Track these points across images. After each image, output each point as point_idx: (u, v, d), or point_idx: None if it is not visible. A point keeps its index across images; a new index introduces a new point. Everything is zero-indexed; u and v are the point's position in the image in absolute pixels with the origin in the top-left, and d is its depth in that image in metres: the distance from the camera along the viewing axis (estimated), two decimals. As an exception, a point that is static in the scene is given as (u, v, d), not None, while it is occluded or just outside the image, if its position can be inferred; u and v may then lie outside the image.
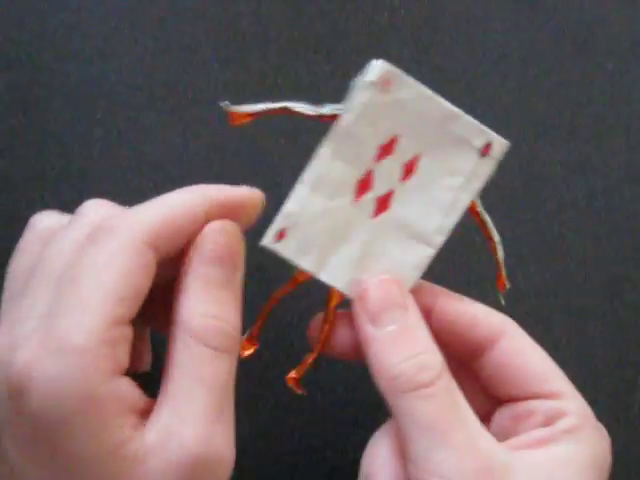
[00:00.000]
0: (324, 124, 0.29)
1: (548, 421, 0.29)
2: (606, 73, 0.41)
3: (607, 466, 0.30)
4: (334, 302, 0.30)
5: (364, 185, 0.29)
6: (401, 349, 0.28)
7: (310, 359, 0.31)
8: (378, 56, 0.40)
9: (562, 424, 0.29)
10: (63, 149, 0.38)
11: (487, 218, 0.31)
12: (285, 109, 0.29)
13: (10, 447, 0.25)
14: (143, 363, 0.31)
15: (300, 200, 0.29)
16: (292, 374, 0.31)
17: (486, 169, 0.30)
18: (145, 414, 0.26)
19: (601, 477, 0.29)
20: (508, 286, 0.32)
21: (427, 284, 0.31)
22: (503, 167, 0.40)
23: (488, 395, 0.31)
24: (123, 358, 0.25)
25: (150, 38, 0.39)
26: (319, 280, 0.30)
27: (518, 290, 0.39)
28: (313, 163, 0.29)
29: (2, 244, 0.36)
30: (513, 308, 0.39)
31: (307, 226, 0.29)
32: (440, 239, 0.30)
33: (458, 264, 0.39)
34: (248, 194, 0.28)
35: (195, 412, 0.25)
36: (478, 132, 0.29)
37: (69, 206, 0.37)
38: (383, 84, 0.28)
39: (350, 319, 0.30)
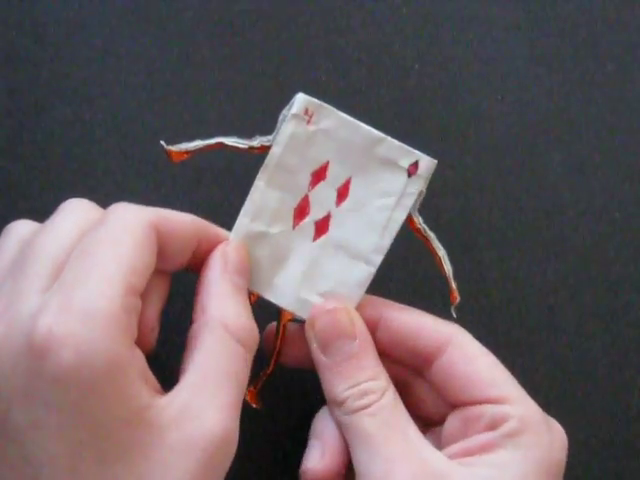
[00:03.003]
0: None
1: (493, 425, 0.30)
2: (606, 73, 0.41)
3: (556, 470, 0.30)
4: (285, 319, 0.32)
5: (302, 210, 0.31)
6: (346, 378, 0.31)
7: (265, 373, 0.33)
8: (377, 56, 0.40)
9: (504, 428, 0.30)
10: (63, 149, 0.38)
11: (430, 234, 0.32)
12: (220, 144, 0.31)
13: (24, 419, 0.25)
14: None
15: (242, 229, 0.31)
16: (250, 388, 0.33)
17: (415, 187, 0.31)
18: (158, 392, 0.27)
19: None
20: (459, 299, 0.32)
21: (372, 298, 0.33)
22: (503, 167, 0.40)
23: (442, 400, 0.32)
24: (135, 328, 0.27)
25: (150, 38, 0.39)
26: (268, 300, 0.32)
27: (518, 289, 0.39)
28: (250, 194, 0.31)
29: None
30: (513, 308, 0.39)
31: (252, 253, 0.31)
32: (378, 258, 0.31)
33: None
34: (225, 234, 0.31)
35: (219, 398, 0.27)
36: (403, 153, 0.31)
37: (69, 206, 0.37)
38: (306, 116, 0.30)
39: (301, 333, 0.32)
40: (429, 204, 0.38)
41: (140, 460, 0.25)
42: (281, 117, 0.31)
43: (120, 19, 0.39)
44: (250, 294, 0.31)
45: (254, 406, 0.33)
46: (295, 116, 0.30)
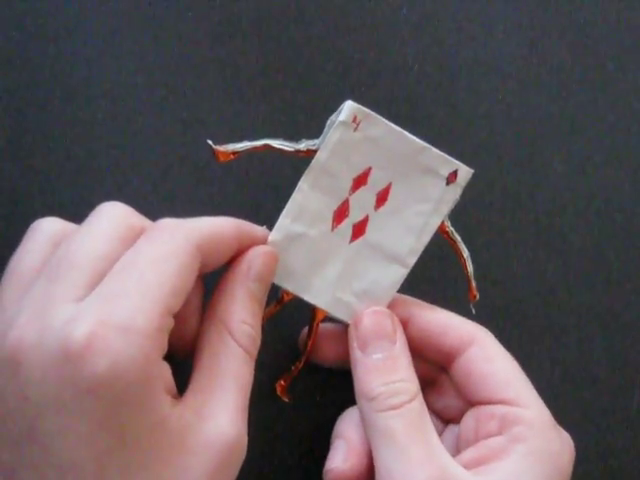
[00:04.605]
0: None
1: (502, 425, 0.31)
2: (606, 73, 0.41)
3: (562, 474, 0.31)
4: (318, 318, 0.34)
5: (341, 213, 0.32)
6: (382, 376, 0.32)
7: (296, 368, 0.35)
8: (377, 56, 0.40)
9: (514, 432, 0.31)
10: (63, 149, 0.38)
11: (457, 237, 0.34)
12: (266, 146, 0.32)
13: (52, 425, 0.25)
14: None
15: (282, 230, 0.32)
16: (280, 382, 0.35)
17: (453, 195, 0.33)
18: (175, 397, 0.28)
19: None
20: (478, 297, 0.34)
21: (403, 297, 0.34)
22: (503, 167, 0.40)
23: (448, 411, 0.34)
24: (166, 345, 0.27)
25: (150, 38, 0.39)
26: (303, 299, 0.33)
27: (518, 289, 0.39)
28: (293, 196, 0.32)
29: (2, 244, 0.36)
30: (513, 308, 0.39)
31: (290, 253, 0.32)
32: (412, 260, 0.33)
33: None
34: (264, 235, 0.32)
35: (229, 401, 0.28)
36: (444, 162, 0.32)
37: (69, 206, 0.37)
38: (353, 123, 0.31)
39: (332, 333, 0.35)
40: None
41: (162, 466, 0.26)
42: (329, 122, 0.32)
43: (120, 19, 0.39)
44: (284, 293, 0.33)
45: (284, 399, 0.35)
46: (343, 123, 0.31)
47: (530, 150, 0.40)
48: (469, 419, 0.33)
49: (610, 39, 0.42)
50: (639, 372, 0.39)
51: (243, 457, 0.29)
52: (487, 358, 0.33)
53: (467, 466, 0.31)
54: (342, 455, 0.32)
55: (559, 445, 0.31)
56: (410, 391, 0.31)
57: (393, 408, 0.31)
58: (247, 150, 0.32)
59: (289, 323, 0.36)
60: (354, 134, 0.31)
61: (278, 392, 0.35)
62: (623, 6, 0.42)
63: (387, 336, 0.32)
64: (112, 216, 0.29)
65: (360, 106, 0.31)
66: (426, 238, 0.33)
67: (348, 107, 0.31)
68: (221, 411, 0.28)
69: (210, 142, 0.31)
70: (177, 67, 0.39)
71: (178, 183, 0.38)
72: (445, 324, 0.33)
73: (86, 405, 0.25)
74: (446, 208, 0.33)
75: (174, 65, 0.39)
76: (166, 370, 0.27)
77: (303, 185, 0.32)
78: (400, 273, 0.33)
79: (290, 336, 0.37)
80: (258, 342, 0.31)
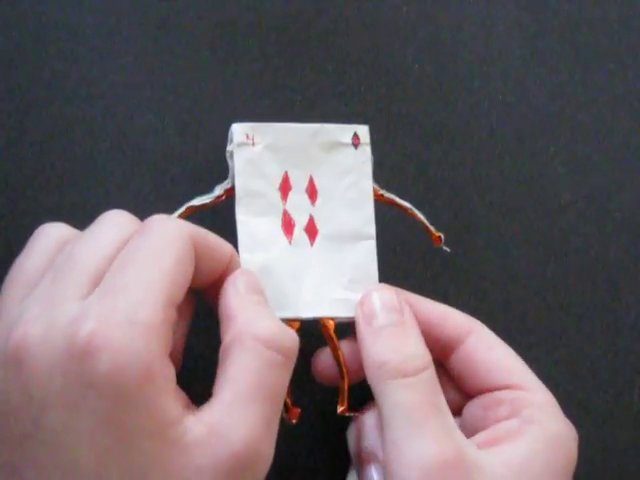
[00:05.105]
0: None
1: (513, 410, 0.31)
2: (606, 73, 0.41)
3: (571, 457, 0.31)
4: (330, 328, 0.33)
5: (288, 225, 0.33)
6: (391, 341, 0.30)
7: (343, 387, 0.33)
8: (377, 56, 0.40)
9: (526, 415, 0.30)
10: (63, 149, 0.38)
11: (391, 196, 0.34)
12: (189, 209, 0.33)
13: (55, 424, 0.25)
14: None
15: (249, 265, 0.32)
16: (340, 408, 0.33)
17: (365, 155, 0.33)
18: (188, 407, 0.27)
19: (565, 468, 0.31)
20: (442, 236, 0.35)
21: (400, 289, 0.33)
22: (503, 167, 0.40)
23: (459, 391, 0.33)
24: (171, 338, 0.27)
25: (150, 38, 0.39)
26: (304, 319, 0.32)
27: (518, 289, 0.39)
28: (238, 231, 0.32)
29: (2, 244, 0.36)
30: (513, 308, 0.39)
31: (267, 283, 0.32)
32: (371, 228, 0.33)
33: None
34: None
35: (251, 415, 0.26)
36: (341, 130, 0.33)
37: (69, 206, 0.37)
38: (248, 140, 0.32)
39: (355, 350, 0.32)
40: (429, 204, 0.39)
41: (161, 477, 0.25)
42: (228, 155, 0.33)
43: (120, 19, 0.39)
44: (289, 323, 0.32)
45: (349, 414, 0.33)
46: (239, 144, 0.32)
47: (530, 150, 0.40)
48: (474, 408, 0.33)
49: (610, 39, 0.42)
50: (639, 372, 0.39)
51: (263, 474, 0.27)
52: (488, 346, 0.33)
53: (480, 446, 0.30)
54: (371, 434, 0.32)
55: (567, 429, 0.31)
56: (422, 359, 0.30)
57: (405, 375, 0.29)
58: (179, 216, 0.32)
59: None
60: (254, 149, 0.32)
61: (344, 414, 0.33)
62: (623, 6, 0.42)
63: (394, 308, 0.31)
64: (116, 222, 0.29)
65: (245, 123, 0.32)
66: (369, 203, 0.33)
67: (236, 130, 0.32)
68: (241, 428, 0.26)
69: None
70: (177, 67, 0.39)
71: (178, 183, 0.38)
72: (444, 315, 0.33)
73: (89, 402, 0.25)
74: (367, 168, 0.33)
75: (174, 65, 0.39)
76: (171, 370, 0.26)
77: (240, 217, 0.32)
78: (369, 245, 0.33)
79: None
80: (295, 340, 0.29)
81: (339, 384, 0.33)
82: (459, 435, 0.30)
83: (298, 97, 0.39)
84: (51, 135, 0.38)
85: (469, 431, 0.32)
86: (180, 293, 0.27)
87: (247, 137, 0.32)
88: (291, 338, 0.29)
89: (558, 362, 0.39)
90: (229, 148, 0.32)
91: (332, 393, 0.34)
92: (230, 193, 0.32)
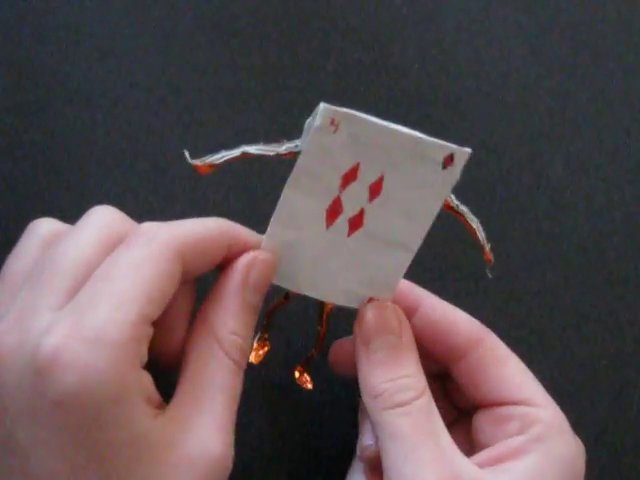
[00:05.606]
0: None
1: (522, 426, 0.30)
2: (606, 73, 0.41)
3: (578, 476, 0.31)
4: (327, 308, 0.33)
5: (334, 211, 0.31)
6: (386, 371, 0.31)
7: (311, 355, 0.35)
8: (377, 56, 0.40)
9: (534, 432, 0.30)
10: (63, 149, 0.38)
11: (463, 209, 0.32)
12: (244, 154, 0.30)
13: (26, 436, 0.25)
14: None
15: (275, 238, 0.31)
16: (298, 368, 0.35)
17: (451, 177, 0.31)
18: (159, 407, 0.27)
19: None
20: (493, 260, 0.33)
21: (412, 286, 0.33)
22: (503, 167, 0.40)
23: (464, 398, 0.33)
24: (145, 354, 0.27)
25: (150, 38, 0.39)
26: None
27: (518, 289, 0.39)
28: (279, 203, 0.31)
29: (2, 244, 0.36)
30: (513, 308, 0.39)
31: (287, 257, 0.31)
32: (416, 244, 0.32)
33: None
34: (257, 239, 0.31)
35: (214, 414, 0.27)
36: (438, 148, 0.31)
37: (69, 206, 0.37)
38: (332, 126, 0.30)
39: (349, 348, 0.33)
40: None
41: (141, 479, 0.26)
42: (306, 126, 0.30)
43: (120, 19, 0.39)
44: (291, 292, 0.32)
45: (306, 387, 0.35)
46: (319, 129, 0.30)
47: (530, 150, 0.40)
48: (484, 422, 0.32)
49: (610, 39, 0.42)
50: (639, 372, 0.39)
51: (228, 473, 0.28)
52: (499, 359, 0.32)
53: (482, 464, 0.30)
54: (372, 432, 0.31)
55: (576, 447, 0.31)
56: (417, 387, 0.30)
57: (399, 405, 0.30)
58: (225, 162, 0.30)
59: (298, 315, 0.36)
60: (334, 136, 0.30)
61: (296, 378, 0.35)
62: (623, 6, 0.42)
63: (391, 330, 0.31)
64: (99, 221, 0.28)
65: (336, 108, 0.30)
66: (428, 221, 0.32)
67: (322, 111, 0.29)
68: (206, 425, 0.27)
69: (187, 155, 0.30)
70: (177, 67, 0.39)
71: (177, 183, 0.38)
72: (454, 318, 0.33)
73: (57, 419, 0.25)
74: (446, 190, 0.31)
75: (174, 65, 0.39)
76: (146, 380, 0.26)
77: (288, 192, 0.31)
78: (405, 257, 0.32)
79: (299, 328, 0.37)
80: (247, 354, 0.30)
81: (309, 353, 0.35)
82: (457, 457, 0.30)
83: (298, 97, 0.39)
84: (51, 135, 0.38)
85: (477, 444, 0.32)
86: (157, 309, 0.27)
87: (332, 122, 0.30)
88: (246, 353, 0.30)
89: (558, 362, 0.39)
90: (309, 121, 0.30)
91: (331, 394, 0.34)
92: (293, 155, 0.31)
